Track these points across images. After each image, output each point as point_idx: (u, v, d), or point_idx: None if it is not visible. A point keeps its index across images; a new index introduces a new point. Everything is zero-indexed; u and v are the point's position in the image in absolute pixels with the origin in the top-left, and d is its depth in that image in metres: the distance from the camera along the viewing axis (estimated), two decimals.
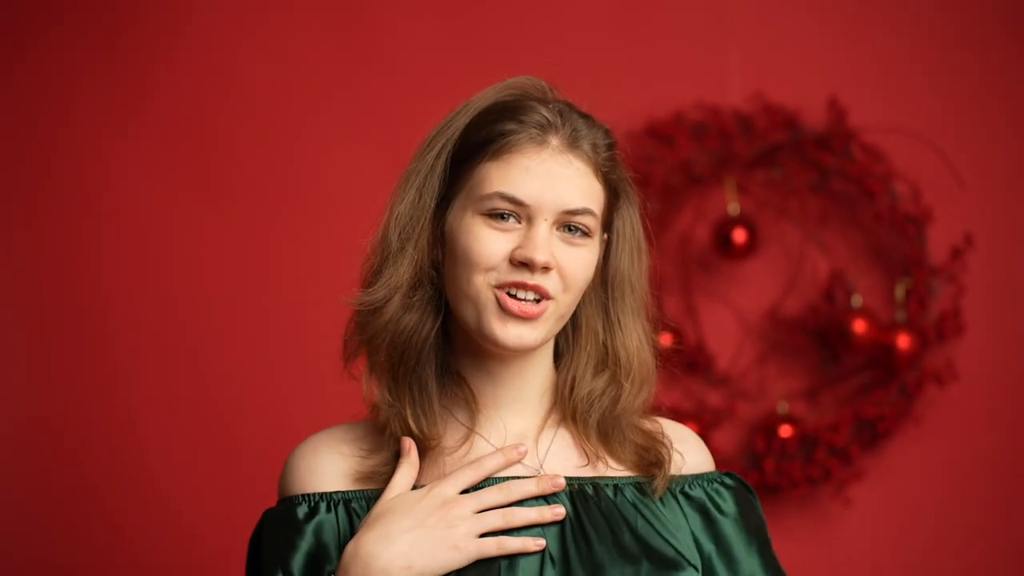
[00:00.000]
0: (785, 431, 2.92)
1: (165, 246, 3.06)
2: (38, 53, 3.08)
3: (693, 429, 1.78)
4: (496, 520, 1.57)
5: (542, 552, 1.58)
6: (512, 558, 1.57)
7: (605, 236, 1.66)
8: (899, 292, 2.94)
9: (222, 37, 3.07)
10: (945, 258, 2.93)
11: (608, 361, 1.66)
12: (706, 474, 1.69)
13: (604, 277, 1.67)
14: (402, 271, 1.62)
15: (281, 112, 3.06)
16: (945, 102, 2.96)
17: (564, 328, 1.67)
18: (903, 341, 2.88)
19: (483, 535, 1.57)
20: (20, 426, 3.05)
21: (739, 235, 2.91)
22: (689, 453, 1.69)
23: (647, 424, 1.68)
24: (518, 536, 1.58)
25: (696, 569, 1.60)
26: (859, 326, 2.88)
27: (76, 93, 3.08)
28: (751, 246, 2.92)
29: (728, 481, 1.70)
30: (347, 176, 3.03)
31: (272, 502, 1.69)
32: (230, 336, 3.04)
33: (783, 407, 2.95)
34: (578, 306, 1.65)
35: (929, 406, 2.94)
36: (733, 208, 2.94)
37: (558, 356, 1.69)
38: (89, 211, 3.06)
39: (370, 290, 1.63)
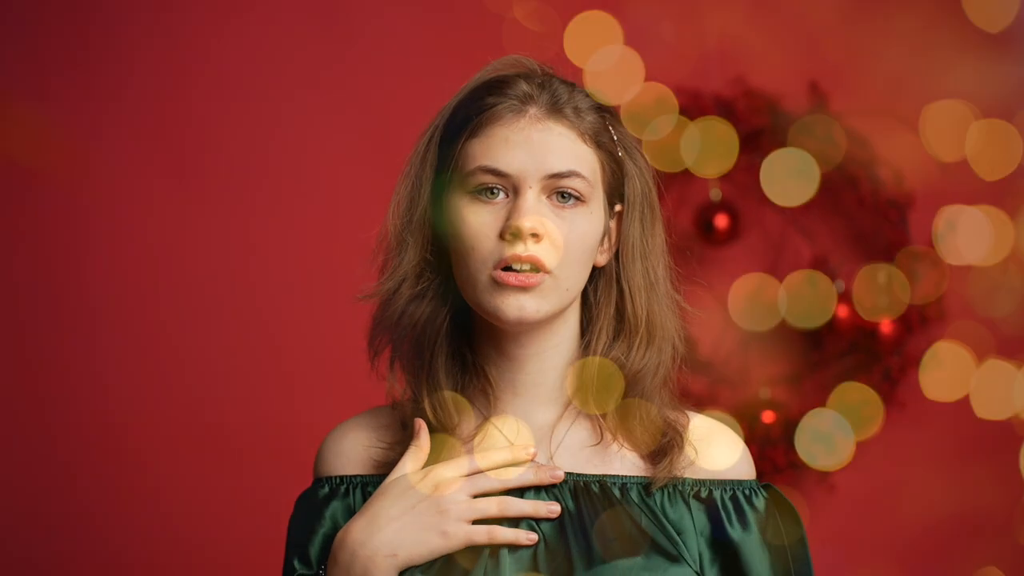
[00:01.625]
0: (768, 417, 2.91)
1: (152, 244, 3.04)
2: (10, 48, 3.05)
3: None
4: (490, 508, 1.55)
5: (533, 546, 1.55)
6: (497, 548, 1.54)
7: (619, 207, 1.64)
8: (881, 277, 2.93)
9: (198, 27, 3.05)
10: (927, 243, 2.92)
11: (623, 330, 1.62)
12: (731, 481, 1.62)
13: (618, 248, 1.64)
14: (406, 261, 1.61)
15: (260, 102, 3.04)
16: (925, 86, 2.95)
17: (588, 309, 1.64)
18: (886, 326, 2.88)
19: (476, 522, 1.55)
20: (11, 427, 3.03)
21: (721, 221, 2.90)
22: (716, 454, 1.62)
23: (673, 413, 1.63)
24: (513, 527, 1.55)
25: (695, 572, 1.56)
26: (842, 311, 2.88)
27: (50, 88, 3.05)
28: (733, 232, 2.91)
29: (760, 493, 1.63)
30: (330, 166, 3.01)
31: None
32: (219, 333, 3.02)
33: (765, 393, 2.95)
34: (596, 283, 1.63)
35: (912, 391, 2.94)
36: (715, 194, 2.93)
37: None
38: (71, 209, 3.04)
39: (380, 282, 1.63)
